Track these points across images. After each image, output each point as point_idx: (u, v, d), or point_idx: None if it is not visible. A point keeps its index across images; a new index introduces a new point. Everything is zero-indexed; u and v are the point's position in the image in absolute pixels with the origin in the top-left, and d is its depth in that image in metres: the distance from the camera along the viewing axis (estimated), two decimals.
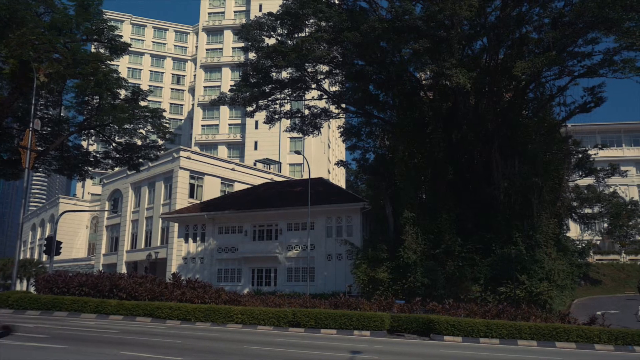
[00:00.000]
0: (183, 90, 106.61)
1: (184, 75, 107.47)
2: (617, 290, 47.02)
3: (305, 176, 59.19)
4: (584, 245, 49.88)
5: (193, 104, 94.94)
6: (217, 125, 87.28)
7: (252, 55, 42.26)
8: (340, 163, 52.06)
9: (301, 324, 25.26)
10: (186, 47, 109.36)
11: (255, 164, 68.77)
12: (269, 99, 41.24)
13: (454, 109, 38.05)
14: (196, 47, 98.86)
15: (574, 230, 56.29)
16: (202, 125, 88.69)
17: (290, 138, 76.86)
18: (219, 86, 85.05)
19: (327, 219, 43.23)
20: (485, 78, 35.79)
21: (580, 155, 45.65)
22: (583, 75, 34.71)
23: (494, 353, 19.86)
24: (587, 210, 51.64)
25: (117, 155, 40.83)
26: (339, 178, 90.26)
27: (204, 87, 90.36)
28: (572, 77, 35.60)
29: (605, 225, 56.33)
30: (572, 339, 23.13)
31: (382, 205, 39.36)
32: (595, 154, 46.64)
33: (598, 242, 57.49)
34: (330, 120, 51.08)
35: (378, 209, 40.22)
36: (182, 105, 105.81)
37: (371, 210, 41.54)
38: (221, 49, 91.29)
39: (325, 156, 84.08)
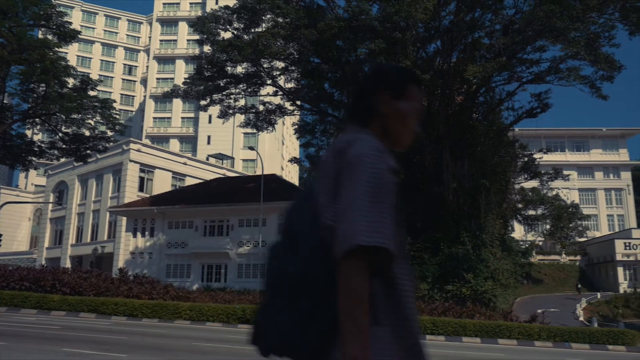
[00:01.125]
0: (135, 81, 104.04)
1: (136, 66, 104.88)
2: (557, 290, 48.99)
3: (259, 172, 58.88)
4: (527, 245, 51.68)
5: (145, 96, 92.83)
6: (170, 118, 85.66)
7: (207, 49, 41.61)
8: (294, 160, 52.14)
9: (251, 320, 25.16)
10: (139, 37, 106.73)
11: (207, 159, 67.87)
12: (224, 93, 40.78)
13: None
14: (149, 37, 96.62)
15: (518, 231, 58.17)
16: (154, 118, 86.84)
17: (244, 134, 76.20)
18: (172, 78, 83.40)
19: (279, 216, 43.11)
20: (438, 80, 36.49)
21: (526, 159, 47.18)
22: (531, 81, 35.91)
23: (439, 350, 20.34)
24: (531, 212, 53.49)
25: (64, 146, 39.51)
26: (292, 175, 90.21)
27: (157, 78, 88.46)
28: (521, 83, 36.76)
29: (548, 226, 58.50)
30: (513, 336, 23.96)
31: None
32: (540, 158, 48.34)
33: (540, 243, 59.62)
34: (285, 117, 50.95)
35: None
36: (134, 96, 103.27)
37: None
38: (175, 40, 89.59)
39: (279, 153, 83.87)
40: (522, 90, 37.40)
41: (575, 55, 31.53)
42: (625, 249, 49.36)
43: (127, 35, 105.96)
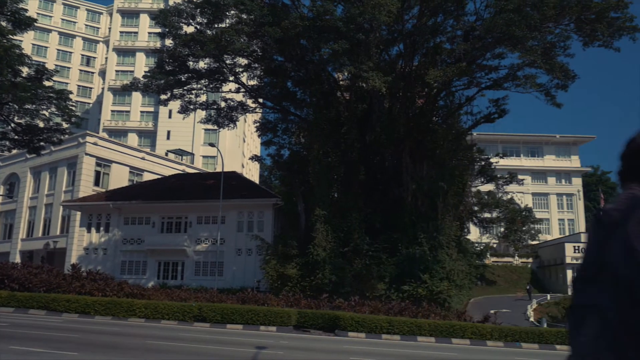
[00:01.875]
0: (93, 73, 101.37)
1: (95, 57, 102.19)
2: (509, 291, 50.28)
3: (219, 169, 58.36)
4: (482, 247, 52.92)
5: (103, 88, 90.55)
6: (128, 111, 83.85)
7: (169, 42, 40.93)
8: (254, 158, 51.82)
9: (207, 318, 24.93)
10: (98, 28, 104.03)
11: (167, 154, 66.75)
12: (185, 88, 40.22)
13: (368, 111, 38.98)
14: (109, 28, 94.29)
15: (473, 233, 59.40)
16: (112, 111, 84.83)
17: (205, 130, 75.27)
18: (132, 71, 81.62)
19: (238, 214, 42.85)
20: (400, 83, 36.94)
21: (483, 163, 48.25)
22: (489, 87, 36.75)
23: (394, 349, 20.60)
24: (487, 215, 54.72)
25: (16, 137, 38.17)
26: (252, 173, 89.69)
27: (116, 71, 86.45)
28: (480, 89, 37.58)
29: (502, 229, 59.95)
30: (467, 335, 24.48)
31: (294, 202, 39.60)
32: (496, 162, 49.55)
33: (495, 245, 61.05)
34: (247, 114, 50.66)
35: (290, 206, 40.41)
36: (91, 88, 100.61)
37: (283, 206, 41.67)
38: (136, 32, 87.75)
39: (239, 150, 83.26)
40: (480, 95, 38.29)
41: (532, 64, 32.43)
42: (575, 252, 51.07)
43: (86, 25, 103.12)
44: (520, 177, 59.23)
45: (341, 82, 41.39)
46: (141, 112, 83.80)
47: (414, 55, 37.50)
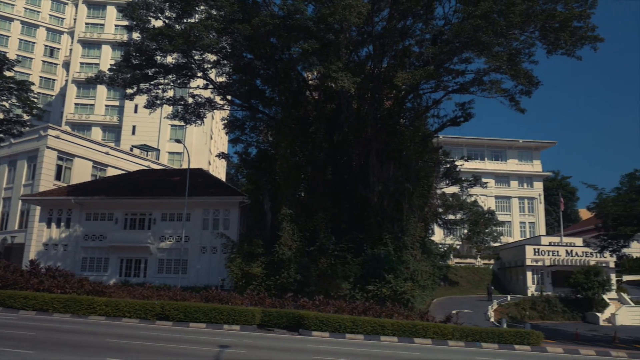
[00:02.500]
0: (57, 65, 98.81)
1: (59, 49, 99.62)
2: (471, 291, 51.19)
3: (185, 166, 57.66)
4: (445, 248, 53.69)
5: (67, 80, 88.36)
6: (93, 105, 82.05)
7: (136, 36, 40.22)
8: (221, 155, 51.38)
9: (170, 317, 24.63)
10: (63, 19, 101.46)
11: (132, 150, 65.65)
12: (152, 82, 39.60)
13: (337, 111, 39.10)
14: (75, 19, 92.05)
15: (438, 235, 60.23)
16: (76, 104, 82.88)
17: (172, 126, 74.25)
18: (98, 64, 79.92)
19: (204, 211, 42.44)
20: (369, 84, 37.16)
21: (448, 165, 48.95)
22: (456, 91, 37.30)
23: (357, 348, 20.73)
24: (451, 217, 55.52)
25: None
26: (219, 170, 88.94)
27: (81, 63, 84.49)
28: (446, 92, 38.09)
29: (465, 231, 60.94)
30: (429, 335, 24.83)
31: (261, 200, 39.44)
32: (461, 165, 50.32)
33: (458, 247, 62.01)
34: (215, 111, 50.20)
35: (257, 204, 40.23)
36: (55, 80, 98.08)
37: (250, 204, 41.46)
38: (103, 24, 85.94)
39: (206, 147, 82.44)
40: (447, 99, 38.77)
41: (497, 69, 33.06)
42: (535, 254, 52.27)
43: (50, 15, 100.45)
44: (484, 180, 60.27)
45: (310, 82, 41.41)
46: (106, 106, 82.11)
47: (383, 57, 37.77)
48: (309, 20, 31.86)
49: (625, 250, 39.38)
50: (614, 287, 48.64)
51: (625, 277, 57.53)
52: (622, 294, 48.51)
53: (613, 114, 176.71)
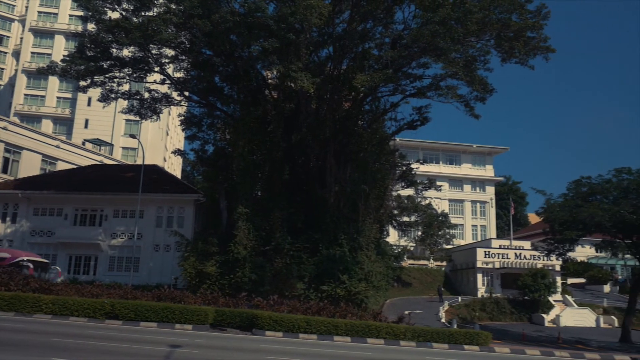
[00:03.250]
0: (6, 53, 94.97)
1: (9, 37, 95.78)
2: (423, 292, 52.08)
3: (139, 161, 56.43)
4: (400, 250, 54.46)
5: (17, 70, 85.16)
6: (44, 96, 79.40)
7: (91, 27, 39.15)
8: (177, 152, 50.63)
9: (119, 316, 24.08)
10: (14, 6, 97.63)
11: (84, 144, 63.85)
12: (107, 75, 38.63)
13: (296, 111, 39.10)
14: (26, 7, 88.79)
15: (392, 236, 61.01)
16: (26, 95, 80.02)
17: (126, 120, 72.66)
18: (50, 54, 77.38)
19: (158, 208, 41.73)
20: (328, 85, 37.32)
21: (404, 168, 49.62)
22: (413, 95, 37.88)
23: (310, 348, 20.80)
24: (405, 219, 56.32)
25: None
26: (175, 167, 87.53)
27: (32, 52, 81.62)
28: (404, 96, 38.64)
29: (419, 233, 61.95)
30: (381, 335, 25.10)
31: (217, 198, 39.05)
32: (416, 168, 51.12)
33: (412, 248, 62.94)
34: (171, 106, 49.40)
35: (212, 202, 39.82)
36: (3, 69, 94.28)
37: (205, 202, 40.98)
38: (56, 14, 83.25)
39: (162, 143, 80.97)
40: (405, 102, 39.32)
41: (454, 75, 33.72)
42: (485, 257, 53.64)
43: (0, 2, 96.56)
44: (438, 183, 61.47)
45: (270, 81, 41.25)
46: (58, 98, 79.59)
47: (343, 58, 38.00)
48: (269, 19, 31.75)
49: (570, 254, 40.81)
50: (559, 290, 50.40)
51: (570, 280, 59.77)
52: (566, 296, 50.32)
53: (562, 122, 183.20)
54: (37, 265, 32.60)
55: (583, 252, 66.70)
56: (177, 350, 16.44)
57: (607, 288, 59.20)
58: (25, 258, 32.96)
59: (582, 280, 61.66)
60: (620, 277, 66.91)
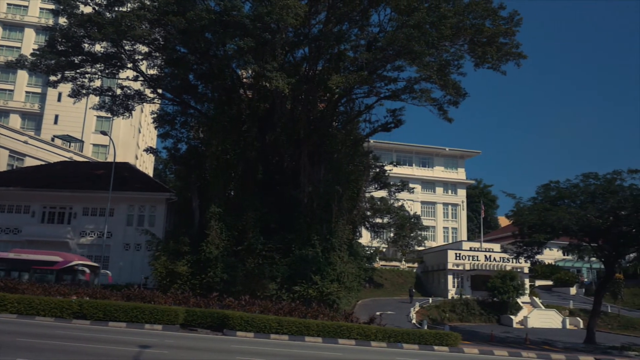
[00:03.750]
0: None
1: None
2: (395, 294, 52.44)
3: (110, 159, 55.52)
4: (372, 251, 54.69)
5: None
6: (12, 90, 77.46)
7: (63, 21, 38.43)
8: (150, 150, 50.02)
9: (87, 315, 23.67)
10: None
11: (53, 140, 62.56)
12: (78, 71, 37.93)
13: (270, 111, 39.00)
14: None
15: (365, 237, 61.23)
16: None
17: (97, 117, 71.29)
18: (20, 47, 75.58)
19: (129, 207, 41.15)
20: (303, 86, 37.31)
21: (377, 170, 49.93)
22: (388, 97, 38.13)
23: (281, 349, 20.76)
24: (378, 220, 56.62)
25: None
26: (147, 165, 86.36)
27: (1, 45, 79.65)
28: (379, 98, 38.87)
29: (392, 234, 62.32)
30: (353, 336, 25.19)
31: (189, 197, 38.69)
32: (390, 170, 51.42)
33: (384, 250, 63.31)
34: (144, 104, 48.79)
35: (185, 201, 39.44)
36: None
37: (177, 201, 40.57)
38: (26, 6, 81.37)
39: (134, 141, 79.83)
40: (379, 104, 39.58)
41: (428, 78, 34.07)
42: (456, 259, 54.30)
43: None
44: (411, 185, 62.00)
45: (245, 80, 41.05)
46: (27, 92, 77.74)
47: (319, 59, 38.05)
48: (245, 18, 31.59)
49: (538, 257, 41.60)
50: (527, 292, 51.31)
51: (538, 282, 60.89)
52: (534, 298, 51.25)
53: (533, 127, 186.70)
54: (90, 270, 32.49)
55: (551, 255, 68.06)
56: (147, 351, 16.23)
57: (573, 290, 60.48)
58: (79, 262, 32.76)
59: (550, 283, 62.87)
60: (586, 279, 68.46)
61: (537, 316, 46.88)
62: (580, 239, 39.03)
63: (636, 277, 60.15)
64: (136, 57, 38.34)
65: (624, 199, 33.83)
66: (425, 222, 69.72)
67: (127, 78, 40.34)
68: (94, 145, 72.99)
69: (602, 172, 37.92)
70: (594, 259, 48.78)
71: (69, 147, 62.25)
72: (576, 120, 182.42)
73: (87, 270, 31.56)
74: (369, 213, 53.42)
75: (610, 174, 35.91)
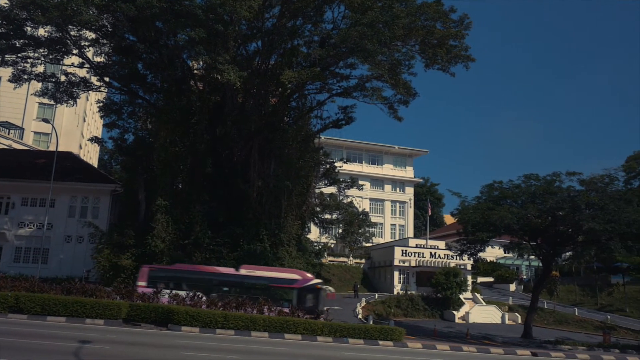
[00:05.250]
0: None
1: None
2: (342, 289, 52.91)
3: (52, 148, 53.52)
4: (320, 247, 54.96)
5: None
6: None
7: (3, 1, 36.64)
8: (95, 140, 48.54)
9: (25, 310, 22.80)
10: None
11: None
12: (19, 55, 36.28)
13: (221, 104, 38.54)
14: None
15: (314, 233, 61.47)
16: None
17: (39, 103, 68.43)
18: None
19: (71, 198, 39.84)
20: (255, 80, 37.06)
21: (327, 166, 50.16)
22: (340, 94, 38.38)
23: (226, 343, 20.62)
24: (327, 216, 56.96)
25: None
26: (91, 156, 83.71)
27: None
28: (331, 95, 39.06)
29: (340, 230, 62.82)
30: (299, 331, 25.27)
31: (135, 189, 37.80)
32: (340, 167, 51.79)
33: (332, 245, 63.73)
34: (90, 92, 47.24)
35: (130, 193, 38.50)
36: None
37: (123, 193, 39.55)
38: None
39: (78, 130, 77.16)
40: (331, 101, 39.76)
41: (379, 77, 34.49)
42: (402, 255, 55.33)
43: None
44: (360, 182, 62.58)
45: (195, 71, 40.38)
46: None
47: (271, 54, 37.86)
48: (197, 8, 31.06)
49: (480, 254, 42.88)
50: (470, 288, 52.80)
51: (480, 279, 62.83)
52: (476, 294, 52.80)
53: (478, 129, 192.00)
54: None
55: (492, 253, 70.34)
56: (87, 346, 15.80)
57: (512, 287, 62.73)
58: (318, 281, 30.70)
59: (491, 279, 64.99)
60: (524, 276, 71.16)
61: (478, 312, 48.31)
62: (520, 238, 40.50)
63: (571, 274, 63.06)
64: (82, 44, 37.02)
65: (562, 200, 35.29)
66: (374, 219, 70.60)
67: (73, 65, 38.94)
68: (35, 133, 70.09)
69: (543, 173, 39.47)
70: (532, 257, 50.66)
71: (8, 134, 59.54)
72: (520, 124, 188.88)
73: (331, 289, 30.08)
74: (318, 209, 53.62)
75: (549, 176, 37.42)
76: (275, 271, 31.19)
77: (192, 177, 37.60)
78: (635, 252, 45.14)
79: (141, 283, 29.22)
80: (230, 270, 30.39)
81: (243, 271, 30.19)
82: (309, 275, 32.04)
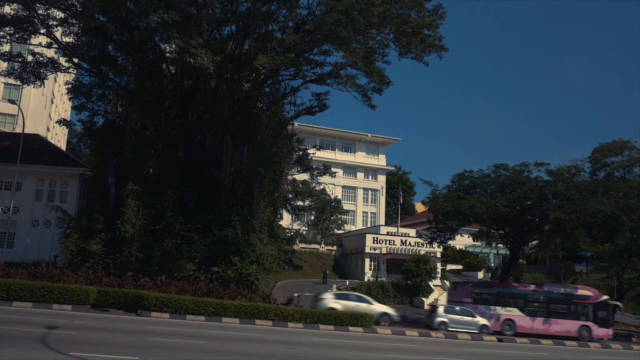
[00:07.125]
0: None
1: None
2: (313, 275, 53.22)
3: (19, 130, 52.19)
4: (292, 233, 55.12)
5: None
6: None
7: None
8: (63, 122, 47.44)
9: None
10: None
11: None
12: None
13: (194, 88, 38.04)
14: None
15: (286, 220, 61.54)
16: None
17: (5, 84, 66.56)
18: None
19: (38, 181, 38.99)
20: (229, 65, 36.60)
21: (300, 153, 50.12)
22: (314, 81, 38.23)
23: (196, 329, 20.60)
24: (300, 203, 57.06)
25: None
26: (59, 138, 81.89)
27: None
28: (305, 81, 38.88)
29: (312, 217, 63.05)
30: (270, 317, 25.42)
31: (105, 174, 37.18)
32: (313, 154, 51.76)
33: (304, 232, 63.97)
34: (58, 73, 46.10)
35: (100, 178, 37.86)
36: None
37: (92, 177, 38.88)
38: None
39: (46, 111, 75.32)
40: (305, 88, 39.57)
41: (353, 65, 34.46)
42: (374, 242, 55.82)
43: None
44: (333, 169, 62.71)
45: (168, 55, 39.70)
46: None
47: (245, 39, 37.42)
48: None
49: (450, 242, 43.54)
50: (439, 275, 53.67)
51: (449, 267, 63.86)
52: (445, 281, 53.72)
53: (450, 119, 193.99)
54: None
55: (462, 241, 71.50)
56: (54, 332, 15.60)
57: (480, 274, 63.94)
58: (607, 297, 34.14)
59: (460, 267, 66.11)
60: (492, 264, 72.59)
61: (447, 299, 49.15)
62: (489, 227, 41.25)
63: (537, 262, 64.61)
64: (50, 23, 36.01)
65: (530, 189, 36.03)
66: (346, 206, 71.01)
67: (40, 44, 37.90)
68: (1, 114, 68.27)
69: (513, 163, 40.17)
70: (500, 245, 51.61)
71: None
72: (491, 114, 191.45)
73: (620, 304, 31.95)
74: (290, 195, 53.64)
75: (518, 166, 38.13)
76: (567, 288, 36.40)
77: (164, 162, 37.14)
78: (599, 242, 46.40)
79: (466, 300, 34.51)
80: (535, 288, 35.46)
81: (545, 288, 35.46)
82: (597, 292, 36.18)
